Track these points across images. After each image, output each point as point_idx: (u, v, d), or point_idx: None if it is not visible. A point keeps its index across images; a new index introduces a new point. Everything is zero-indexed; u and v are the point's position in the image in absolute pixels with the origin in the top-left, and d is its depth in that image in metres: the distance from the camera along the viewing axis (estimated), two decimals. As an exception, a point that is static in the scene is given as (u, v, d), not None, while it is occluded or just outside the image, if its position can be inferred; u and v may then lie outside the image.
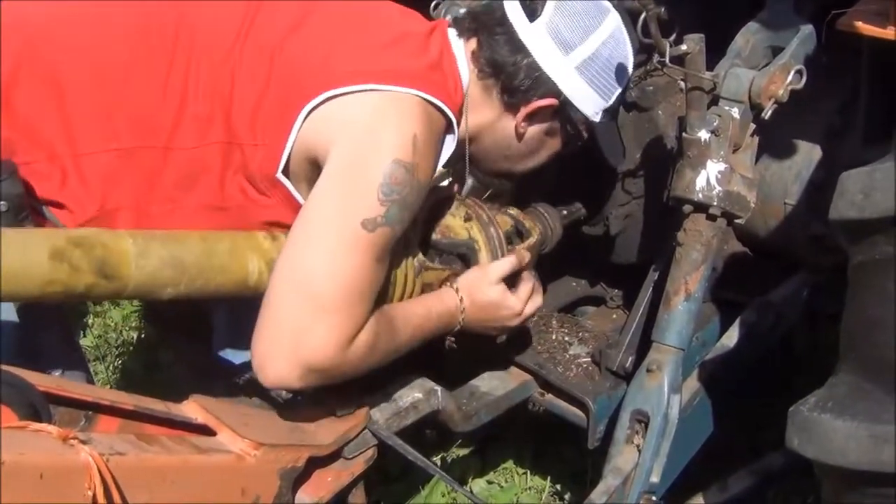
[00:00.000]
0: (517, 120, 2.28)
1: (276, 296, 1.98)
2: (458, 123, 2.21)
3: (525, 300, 2.39)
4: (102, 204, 2.06)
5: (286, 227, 2.08)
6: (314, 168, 2.08)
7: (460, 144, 2.26)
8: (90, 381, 2.37)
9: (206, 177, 2.11)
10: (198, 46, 2.09)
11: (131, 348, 4.02)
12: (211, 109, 2.07)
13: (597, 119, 2.31)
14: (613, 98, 2.31)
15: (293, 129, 2.05)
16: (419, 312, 2.24)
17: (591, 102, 2.28)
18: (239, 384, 2.30)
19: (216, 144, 2.08)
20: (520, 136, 2.31)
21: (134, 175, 2.07)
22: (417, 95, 2.08)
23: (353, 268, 1.98)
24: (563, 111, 2.29)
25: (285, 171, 2.10)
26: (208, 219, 2.12)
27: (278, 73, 2.08)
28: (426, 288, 2.33)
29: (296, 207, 2.09)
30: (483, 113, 2.28)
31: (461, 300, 2.31)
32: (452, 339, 2.39)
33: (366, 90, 2.05)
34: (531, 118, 2.29)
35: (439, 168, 2.23)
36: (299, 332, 1.95)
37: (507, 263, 2.37)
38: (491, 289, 2.34)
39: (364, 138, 2.04)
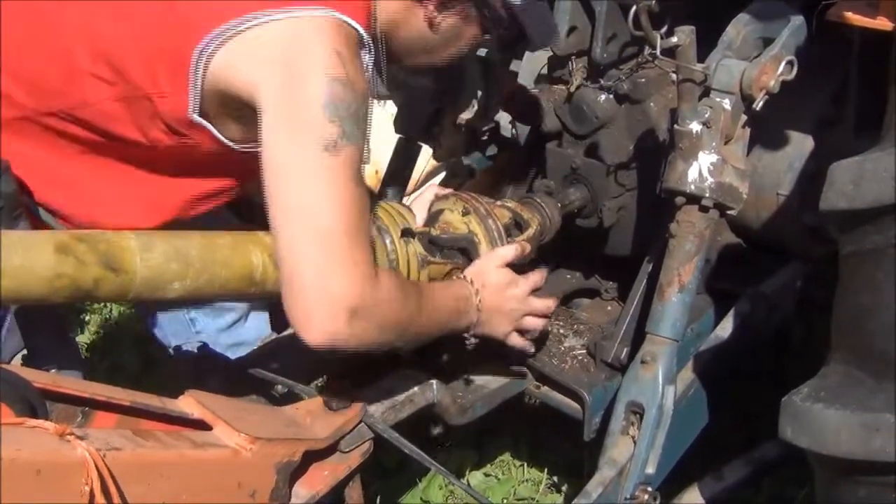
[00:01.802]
0: (427, 9, 2.19)
1: (285, 252, 1.94)
2: (371, 33, 2.13)
3: (532, 287, 2.40)
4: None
5: (224, 163, 2.08)
6: (238, 105, 2.04)
7: (376, 43, 2.17)
8: (85, 378, 2.37)
9: (121, 127, 2.08)
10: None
11: (127, 344, 4.02)
12: (100, 63, 2.05)
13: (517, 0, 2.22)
14: None
15: (191, 70, 2.00)
16: (438, 289, 2.25)
17: None
18: (276, 397, 2.32)
19: (119, 101, 2.06)
20: (433, 27, 2.21)
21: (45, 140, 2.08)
22: (325, 15, 2.00)
23: (337, 193, 1.94)
24: None
25: (203, 114, 2.05)
26: (148, 159, 2.12)
27: (166, 16, 2.04)
28: None
29: (224, 144, 2.08)
30: (391, 5, 2.18)
31: (472, 283, 2.31)
32: (474, 338, 2.36)
33: (269, 20, 1.99)
34: (442, 6, 2.19)
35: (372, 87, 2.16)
36: (323, 276, 1.91)
37: (510, 249, 2.38)
38: (499, 271, 2.35)
39: (288, 68, 1.96)
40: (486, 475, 3.34)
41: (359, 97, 1.98)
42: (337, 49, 1.97)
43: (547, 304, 2.46)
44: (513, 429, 3.40)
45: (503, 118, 3.18)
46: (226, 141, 2.09)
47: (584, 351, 2.68)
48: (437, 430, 2.61)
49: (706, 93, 2.32)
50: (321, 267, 1.92)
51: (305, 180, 1.94)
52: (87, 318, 4.19)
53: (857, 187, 1.61)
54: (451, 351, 2.51)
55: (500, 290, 2.34)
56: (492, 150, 3.32)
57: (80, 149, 2.14)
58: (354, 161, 1.97)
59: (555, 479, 3.25)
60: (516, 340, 2.45)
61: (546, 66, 2.83)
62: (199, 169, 2.19)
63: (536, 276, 2.44)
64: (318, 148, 1.92)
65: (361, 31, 2.08)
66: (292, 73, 1.96)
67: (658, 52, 2.16)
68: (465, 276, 2.33)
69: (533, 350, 2.54)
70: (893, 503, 1.65)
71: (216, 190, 2.26)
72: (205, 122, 2.07)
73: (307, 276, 1.92)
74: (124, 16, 2.07)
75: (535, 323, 2.45)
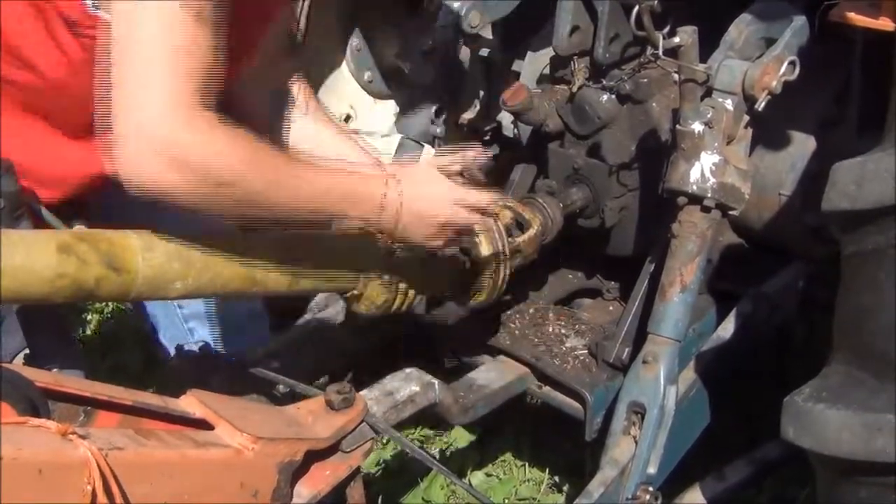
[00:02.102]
0: None
1: (115, 85, 1.80)
2: None
3: (470, 200, 2.16)
4: None
5: None
6: None
7: None
8: (87, 377, 2.38)
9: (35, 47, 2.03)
10: None
11: (128, 344, 4.02)
12: None
13: None
14: None
15: None
16: (324, 167, 2.04)
17: None
18: (278, 396, 2.31)
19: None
20: None
21: None
22: None
23: (171, 28, 1.80)
24: None
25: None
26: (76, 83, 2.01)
27: None
28: None
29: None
30: None
31: (392, 177, 2.09)
32: (396, 245, 2.19)
33: None
34: None
35: None
36: (129, 108, 1.79)
37: (448, 155, 2.21)
38: (432, 171, 2.16)
39: None
40: (488, 475, 3.34)
41: None
42: None
43: (472, 217, 2.19)
44: (514, 429, 3.40)
45: (505, 118, 3.19)
46: None
47: (586, 351, 2.68)
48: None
49: (708, 93, 2.32)
50: (127, 98, 1.79)
51: (147, 13, 1.80)
52: (88, 317, 4.19)
53: (860, 188, 1.61)
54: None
55: (428, 192, 2.12)
56: (493, 150, 3.33)
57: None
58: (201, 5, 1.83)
59: (556, 478, 3.25)
60: (443, 251, 2.28)
61: (548, 66, 2.83)
62: None
63: (483, 194, 2.18)
64: None
65: None
66: None
67: (660, 52, 2.17)
68: (385, 173, 2.14)
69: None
70: (895, 504, 1.65)
71: None
72: (103, 13, 1.93)
73: (133, 111, 1.79)
74: None
75: (468, 218, 2.19)
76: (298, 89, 2.37)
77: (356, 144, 2.39)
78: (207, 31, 1.84)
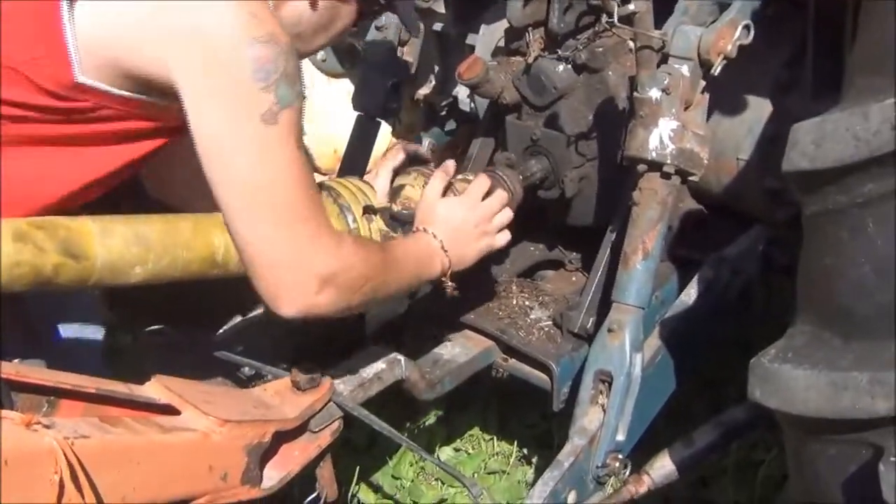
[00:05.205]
0: None
1: (243, 230, 1.90)
2: None
3: (477, 195, 2.38)
4: None
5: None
6: (135, 73, 1.91)
7: None
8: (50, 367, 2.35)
9: None
10: None
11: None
12: None
13: None
14: None
15: (63, 20, 1.84)
16: (398, 243, 2.22)
17: None
18: (243, 379, 2.30)
19: None
20: (313, 3, 2.09)
21: None
22: None
23: (285, 164, 1.89)
24: None
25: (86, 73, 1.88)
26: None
27: None
28: None
29: (124, 100, 1.93)
30: None
31: (424, 230, 2.28)
32: (451, 283, 2.33)
33: None
34: None
35: None
36: (288, 251, 1.90)
37: (436, 181, 2.36)
38: (441, 204, 2.33)
39: (202, 35, 1.84)
40: (456, 450, 3.35)
41: (284, 53, 1.88)
42: (250, 10, 1.87)
43: (499, 198, 2.43)
44: (481, 403, 3.41)
45: (461, 92, 3.18)
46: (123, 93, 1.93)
47: (551, 322, 2.69)
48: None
49: (664, 59, 2.32)
50: (285, 242, 1.90)
51: (250, 156, 1.87)
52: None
53: (819, 147, 1.61)
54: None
55: (451, 219, 2.32)
56: (450, 124, 3.33)
57: None
58: (295, 124, 1.91)
59: (525, 451, 3.27)
60: (498, 243, 2.44)
61: (503, 38, 2.82)
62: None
63: (477, 181, 2.42)
64: (256, 120, 1.85)
65: None
66: (210, 43, 1.84)
67: (615, 19, 2.15)
68: (416, 229, 2.31)
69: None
70: (863, 461, 1.66)
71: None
72: (96, 83, 1.90)
73: (273, 254, 1.90)
74: None
75: (501, 219, 2.43)
76: None
77: None
78: (304, 149, 1.97)
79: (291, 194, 1.90)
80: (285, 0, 2.07)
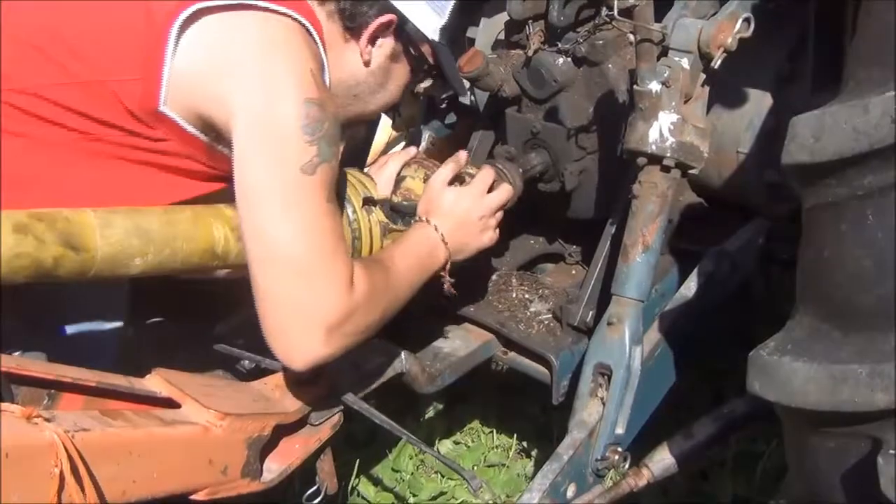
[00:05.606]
0: (361, 46, 2.23)
1: (260, 280, 1.95)
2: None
3: (483, 188, 2.40)
4: None
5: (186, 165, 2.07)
6: (201, 110, 2.03)
7: None
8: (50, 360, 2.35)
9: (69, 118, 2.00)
10: None
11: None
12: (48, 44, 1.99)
13: (436, 37, 2.27)
14: (446, 15, 2.28)
15: (167, 51, 1.97)
16: (399, 251, 2.23)
17: (426, 19, 2.25)
18: (243, 372, 2.30)
19: (71, 85, 1.98)
20: (367, 63, 2.25)
21: None
22: (294, 18, 2.03)
23: (314, 217, 1.96)
24: (403, 31, 2.25)
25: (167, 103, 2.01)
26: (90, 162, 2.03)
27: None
28: None
29: (191, 138, 2.05)
30: (331, 46, 2.18)
31: (427, 222, 2.31)
32: (449, 279, 2.34)
33: (240, 3, 1.98)
34: (373, 41, 2.24)
35: None
36: (300, 303, 1.93)
37: (445, 169, 2.39)
38: (445, 193, 2.36)
39: (264, 85, 1.97)
40: (456, 443, 3.36)
41: (331, 116, 2.00)
42: (310, 67, 1.99)
43: (505, 192, 2.45)
44: (481, 396, 3.41)
45: (461, 85, 3.17)
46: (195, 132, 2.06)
47: (550, 315, 2.69)
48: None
49: (664, 52, 2.32)
50: (297, 296, 1.94)
51: (281, 205, 1.94)
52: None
53: (818, 140, 1.61)
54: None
55: (455, 208, 2.34)
56: (451, 117, 3.32)
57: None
58: (330, 179, 1.99)
59: (524, 444, 3.27)
60: (497, 238, 2.46)
61: (503, 31, 2.82)
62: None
63: (483, 173, 2.44)
64: (295, 170, 1.94)
65: (319, 41, 2.10)
66: (269, 95, 1.97)
67: (615, 12, 2.15)
68: (417, 218, 2.33)
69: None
70: (862, 454, 1.66)
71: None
72: (173, 115, 2.02)
73: (285, 307, 1.94)
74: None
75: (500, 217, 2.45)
76: None
77: None
78: (337, 206, 2.06)
79: (311, 247, 1.95)
80: (342, 61, 2.20)
